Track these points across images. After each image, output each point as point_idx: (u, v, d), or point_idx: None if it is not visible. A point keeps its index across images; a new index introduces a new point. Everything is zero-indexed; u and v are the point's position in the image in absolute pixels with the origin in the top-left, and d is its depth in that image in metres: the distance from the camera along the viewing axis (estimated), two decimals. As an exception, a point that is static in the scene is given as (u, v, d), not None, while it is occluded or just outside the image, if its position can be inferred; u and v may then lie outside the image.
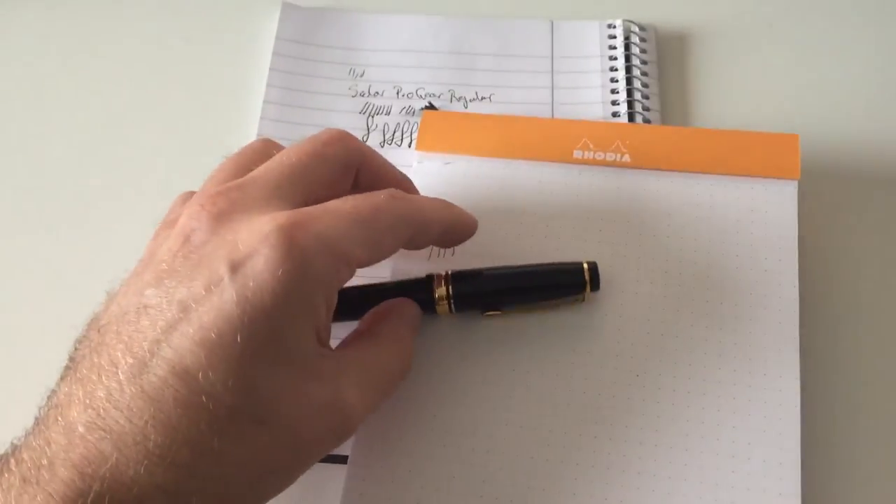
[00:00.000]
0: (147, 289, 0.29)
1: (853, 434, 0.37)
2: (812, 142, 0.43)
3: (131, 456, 0.26)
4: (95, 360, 0.28)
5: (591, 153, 0.41)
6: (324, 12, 0.51)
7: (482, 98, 0.47)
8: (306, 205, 0.31)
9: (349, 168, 0.34)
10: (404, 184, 0.36)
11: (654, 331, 0.37)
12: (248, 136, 0.45)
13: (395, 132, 0.46)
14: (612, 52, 0.48)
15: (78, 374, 0.28)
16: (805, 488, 0.33)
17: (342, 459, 0.35)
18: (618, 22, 0.49)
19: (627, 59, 0.48)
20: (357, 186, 0.34)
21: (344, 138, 0.34)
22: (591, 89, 0.47)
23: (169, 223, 0.33)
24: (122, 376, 0.27)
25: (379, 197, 0.32)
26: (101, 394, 0.27)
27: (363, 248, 0.31)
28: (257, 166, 0.33)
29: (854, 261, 0.41)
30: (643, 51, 0.48)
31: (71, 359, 0.30)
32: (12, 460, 0.26)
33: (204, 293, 0.27)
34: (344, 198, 0.32)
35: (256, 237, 0.28)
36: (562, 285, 0.37)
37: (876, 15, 0.51)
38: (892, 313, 0.40)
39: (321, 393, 0.29)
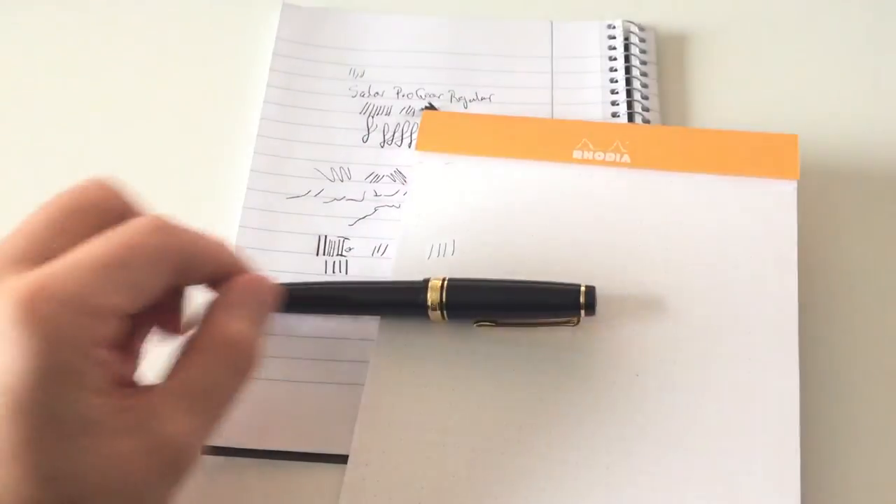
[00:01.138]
0: None
1: (853, 434, 0.37)
2: (812, 142, 0.43)
3: None
4: None
5: (591, 153, 0.41)
6: (324, 12, 0.51)
7: (482, 98, 0.47)
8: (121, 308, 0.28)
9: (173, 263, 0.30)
10: (225, 253, 0.33)
11: (653, 330, 0.37)
12: (249, 135, 0.46)
13: (395, 132, 0.46)
14: (612, 53, 0.48)
15: None
16: (805, 488, 0.33)
17: (342, 459, 0.35)
18: (617, 22, 0.49)
19: (627, 59, 0.48)
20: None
21: (165, 227, 0.30)
22: (591, 89, 0.47)
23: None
24: None
25: (133, 231, 0.29)
26: None
27: (120, 295, 0.28)
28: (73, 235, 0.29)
29: (854, 261, 0.41)
30: (643, 51, 0.48)
31: None
32: None
33: None
34: (93, 240, 0.28)
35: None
36: (557, 306, 0.36)
37: (875, 15, 0.51)
38: (891, 313, 0.40)
39: (134, 443, 0.27)
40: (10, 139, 0.48)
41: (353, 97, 0.48)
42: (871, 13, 0.51)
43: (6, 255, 0.28)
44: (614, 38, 0.49)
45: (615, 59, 0.48)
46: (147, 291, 0.29)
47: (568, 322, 0.37)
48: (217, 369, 0.30)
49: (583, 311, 0.36)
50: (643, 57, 0.48)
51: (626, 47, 0.49)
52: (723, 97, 0.48)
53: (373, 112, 0.47)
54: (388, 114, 0.47)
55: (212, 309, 0.31)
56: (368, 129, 0.46)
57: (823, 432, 0.36)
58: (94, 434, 0.26)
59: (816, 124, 0.46)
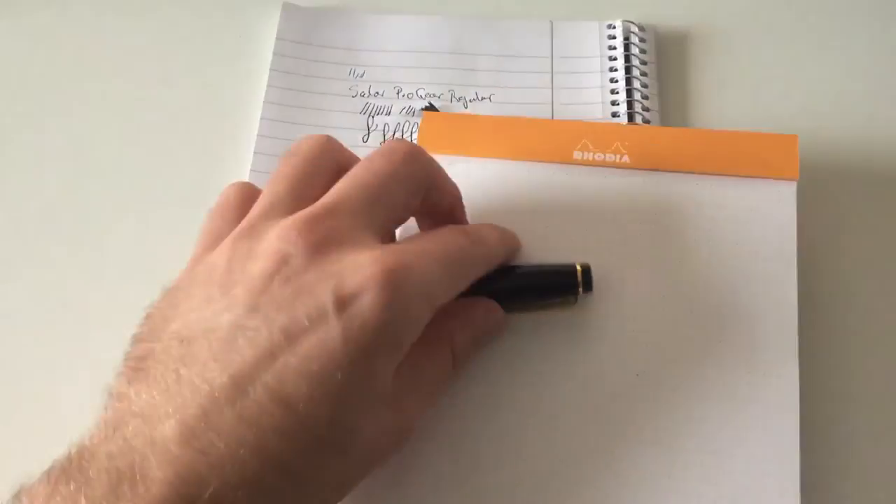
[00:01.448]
0: (239, 307, 0.28)
1: (853, 434, 0.37)
2: (811, 142, 0.43)
3: (229, 481, 0.25)
4: (183, 372, 0.27)
5: (591, 154, 0.41)
6: (324, 12, 0.51)
7: (482, 98, 0.48)
8: (387, 230, 0.33)
9: (422, 188, 0.34)
10: (460, 202, 0.37)
11: (653, 330, 0.37)
12: (249, 136, 0.46)
13: (395, 132, 0.46)
14: (612, 53, 0.48)
15: (158, 383, 0.27)
16: (805, 488, 0.34)
17: (343, 459, 0.35)
18: (617, 22, 0.49)
19: (627, 59, 0.48)
20: (424, 201, 0.35)
21: (417, 155, 0.34)
22: (591, 90, 0.47)
23: (226, 206, 0.34)
24: (219, 396, 0.26)
25: (463, 240, 0.34)
26: (193, 411, 0.26)
27: (447, 293, 0.32)
28: (321, 179, 0.33)
29: (853, 260, 0.41)
30: (643, 51, 0.48)
31: (137, 358, 0.29)
32: (87, 467, 0.25)
33: (308, 324, 0.28)
34: (431, 235, 0.34)
35: (361, 276, 0.28)
36: (554, 286, 0.37)
37: (875, 15, 0.51)
38: (891, 313, 0.40)
39: (394, 419, 0.30)
40: (8, 139, 0.48)
41: (353, 97, 0.48)
42: (871, 13, 0.51)
43: (357, 213, 0.31)
44: (614, 37, 0.49)
45: (615, 59, 0.48)
46: (458, 293, 0.33)
47: (567, 302, 0.37)
48: (432, 363, 0.33)
49: (581, 289, 0.36)
50: (643, 57, 0.48)
51: (626, 47, 0.49)
52: (723, 97, 0.48)
53: (373, 112, 0.47)
54: (388, 114, 0.47)
55: (452, 312, 0.33)
56: (368, 129, 0.46)
57: (824, 432, 0.37)
58: (381, 403, 0.29)
59: (816, 124, 0.46)
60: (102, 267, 0.43)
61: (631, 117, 0.46)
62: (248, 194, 0.34)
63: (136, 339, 0.30)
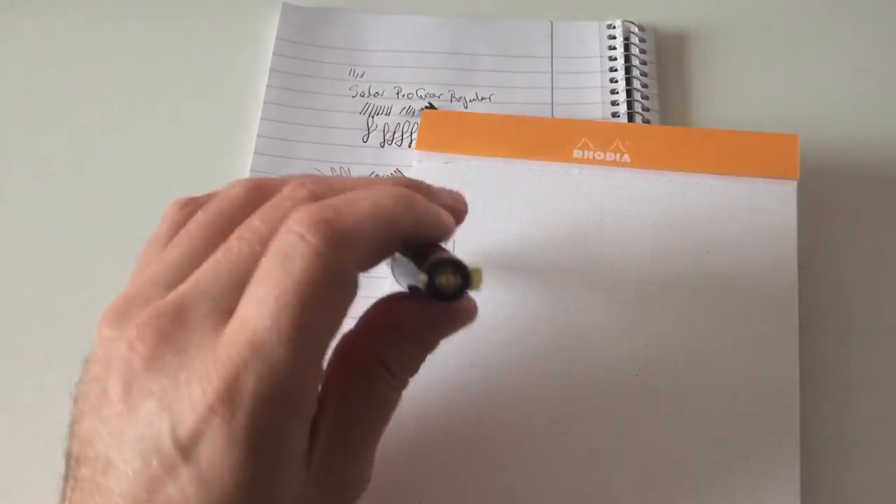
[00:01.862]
0: (107, 427, 0.25)
1: (853, 433, 0.37)
2: (812, 142, 0.43)
3: None
4: (77, 499, 0.25)
5: (591, 153, 0.41)
6: (324, 12, 0.51)
7: (482, 98, 0.47)
8: None
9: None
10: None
11: (653, 330, 0.37)
12: (249, 136, 0.46)
13: (395, 132, 0.46)
14: (612, 53, 0.48)
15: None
16: (805, 488, 0.33)
17: (342, 459, 0.35)
18: (617, 22, 0.49)
19: (627, 59, 0.48)
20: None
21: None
22: (591, 89, 0.47)
23: (158, 240, 0.30)
24: None
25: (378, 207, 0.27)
26: None
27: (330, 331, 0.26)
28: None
29: (854, 260, 0.41)
30: (643, 51, 0.48)
31: (68, 459, 0.27)
32: None
33: (159, 472, 0.24)
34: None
35: (194, 413, 0.24)
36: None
37: (875, 15, 0.51)
38: (892, 313, 0.40)
39: (318, 492, 0.27)
40: (8, 140, 0.48)
41: (354, 97, 0.48)
42: (872, 13, 0.51)
43: (161, 271, 0.27)
44: (614, 38, 0.49)
45: (615, 59, 0.48)
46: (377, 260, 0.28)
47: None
48: (372, 403, 0.29)
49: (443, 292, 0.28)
50: (643, 57, 0.48)
51: (626, 47, 0.49)
52: (723, 97, 0.48)
53: (373, 112, 0.47)
54: (388, 114, 0.47)
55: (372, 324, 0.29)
56: (368, 129, 0.46)
57: (824, 431, 0.36)
58: (289, 500, 0.26)
59: (817, 124, 0.46)
60: (102, 268, 0.43)
61: (631, 117, 0.46)
62: (183, 218, 0.30)
63: (69, 434, 0.27)
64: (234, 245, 0.27)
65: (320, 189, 0.28)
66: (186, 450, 0.24)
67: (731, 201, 0.40)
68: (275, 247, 0.25)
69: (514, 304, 0.38)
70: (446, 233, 0.30)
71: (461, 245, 0.39)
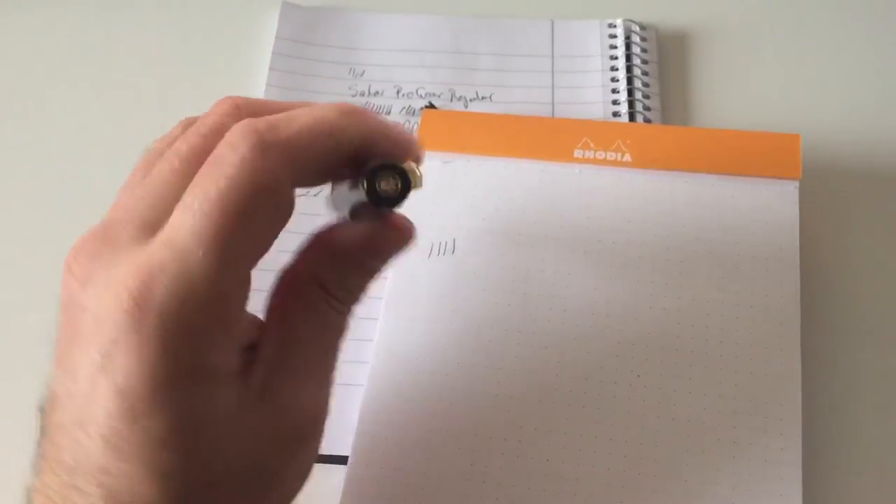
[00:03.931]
0: (56, 364, 0.25)
1: (854, 433, 0.37)
2: (813, 142, 0.43)
3: None
4: (43, 451, 0.25)
5: (592, 152, 0.41)
6: (324, 12, 0.51)
7: (482, 98, 0.47)
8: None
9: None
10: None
11: (654, 330, 0.37)
12: (248, 135, 0.45)
13: (395, 132, 0.46)
14: (613, 52, 0.48)
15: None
16: (805, 488, 0.33)
17: (342, 460, 0.35)
18: (618, 21, 0.49)
19: (628, 58, 0.48)
20: None
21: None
22: (592, 89, 0.47)
23: (155, 153, 0.28)
24: None
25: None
26: None
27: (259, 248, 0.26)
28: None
29: (856, 260, 0.41)
30: (644, 50, 0.48)
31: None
32: None
33: (88, 391, 0.24)
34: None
35: (114, 315, 0.23)
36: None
37: (876, 15, 0.51)
38: (892, 313, 0.40)
39: (258, 420, 0.26)
40: (8, 140, 0.48)
41: (353, 97, 0.48)
42: (872, 12, 0.51)
43: (133, 205, 0.26)
44: (615, 37, 0.49)
45: (616, 58, 0.48)
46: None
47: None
48: (319, 331, 0.28)
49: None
50: (644, 56, 0.48)
51: (628, 46, 0.48)
52: (724, 96, 0.48)
53: (373, 111, 0.47)
54: (388, 113, 0.47)
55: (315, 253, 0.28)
56: (368, 129, 0.46)
57: (825, 432, 0.36)
58: (222, 423, 0.25)
59: (818, 124, 0.46)
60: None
61: (632, 117, 0.46)
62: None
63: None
64: (167, 163, 0.26)
65: (264, 110, 0.27)
66: (105, 361, 0.24)
67: (733, 201, 0.40)
68: (208, 159, 0.25)
69: (514, 303, 0.38)
70: (405, 149, 0.28)
71: (461, 244, 0.39)
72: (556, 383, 0.36)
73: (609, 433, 0.35)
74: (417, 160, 0.29)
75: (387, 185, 0.27)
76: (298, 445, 0.27)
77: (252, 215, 0.24)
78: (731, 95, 0.48)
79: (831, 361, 0.38)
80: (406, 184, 0.27)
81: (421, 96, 0.47)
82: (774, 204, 0.39)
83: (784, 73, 0.48)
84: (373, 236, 0.28)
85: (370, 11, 0.51)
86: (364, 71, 0.48)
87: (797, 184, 0.40)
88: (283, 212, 0.26)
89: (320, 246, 0.28)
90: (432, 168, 0.41)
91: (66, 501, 0.24)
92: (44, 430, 0.26)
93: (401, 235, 0.29)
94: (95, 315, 0.24)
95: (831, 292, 0.40)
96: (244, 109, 0.27)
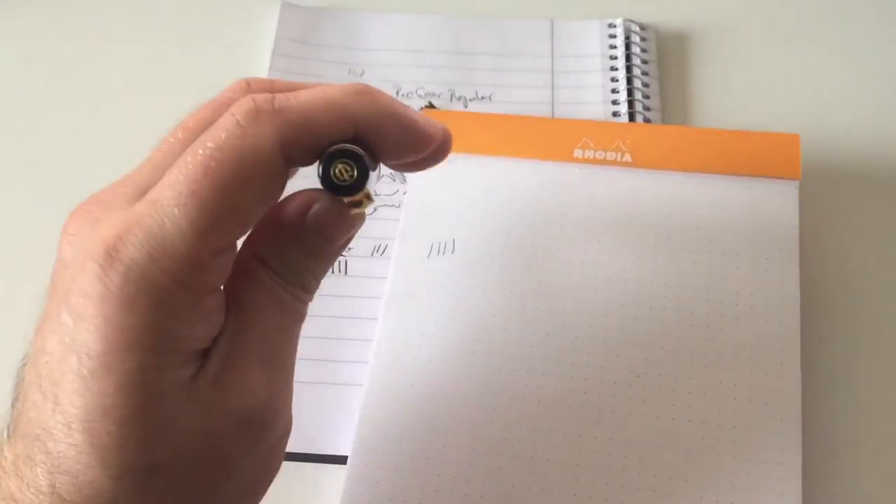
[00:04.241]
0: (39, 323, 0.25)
1: (854, 434, 0.37)
2: (812, 142, 0.43)
3: None
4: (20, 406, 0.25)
5: (592, 152, 0.41)
6: (323, 12, 0.51)
7: (482, 97, 0.47)
8: None
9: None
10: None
11: (654, 330, 0.37)
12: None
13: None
14: (613, 52, 0.48)
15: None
16: (805, 488, 0.33)
17: (342, 460, 0.35)
18: (618, 21, 0.49)
19: (628, 58, 0.48)
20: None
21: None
22: (592, 89, 0.47)
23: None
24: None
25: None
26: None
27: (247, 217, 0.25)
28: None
29: (855, 260, 0.41)
30: (644, 50, 0.48)
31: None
32: None
33: (61, 352, 0.23)
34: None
35: (85, 266, 0.23)
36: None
37: (876, 15, 0.51)
38: (892, 313, 0.40)
39: (215, 404, 0.25)
40: (8, 139, 0.48)
41: (353, 96, 0.47)
42: (872, 12, 0.51)
43: (140, 172, 0.26)
44: (615, 37, 0.49)
45: (616, 58, 0.48)
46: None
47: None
48: (271, 311, 0.27)
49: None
50: (644, 56, 0.48)
51: (627, 46, 0.48)
52: (724, 96, 0.48)
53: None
54: (387, 113, 0.47)
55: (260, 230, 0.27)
56: (368, 129, 0.46)
57: (825, 432, 0.36)
58: (172, 400, 0.24)
59: (818, 124, 0.46)
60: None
61: (632, 117, 0.46)
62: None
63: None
64: (173, 135, 0.27)
65: (275, 88, 0.27)
66: (70, 315, 0.23)
67: (733, 201, 0.40)
68: (209, 129, 0.25)
69: (513, 303, 0.38)
70: (416, 140, 0.27)
71: (461, 244, 0.39)
72: (556, 383, 0.36)
73: (609, 433, 0.35)
74: (438, 155, 0.28)
75: (341, 170, 0.25)
76: (251, 435, 0.26)
77: (234, 179, 0.24)
78: (731, 95, 0.48)
79: (831, 361, 0.38)
80: (363, 175, 0.25)
81: (420, 96, 0.47)
82: (774, 204, 0.39)
83: (784, 73, 0.48)
84: (313, 211, 0.27)
85: (370, 11, 0.51)
86: (364, 71, 0.48)
87: (797, 184, 0.40)
88: (270, 182, 0.25)
89: (264, 220, 0.27)
90: (432, 168, 0.41)
91: (17, 472, 0.23)
92: (15, 397, 0.25)
93: (343, 215, 0.27)
94: (72, 269, 0.24)
95: (831, 292, 0.40)
96: (255, 87, 0.27)
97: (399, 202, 0.43)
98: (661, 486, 0.34)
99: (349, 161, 0.25)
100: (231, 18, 0.52)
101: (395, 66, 0.49)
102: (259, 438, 0.26)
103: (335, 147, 0.25)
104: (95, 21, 0.52)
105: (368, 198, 0.27)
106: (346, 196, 0.26)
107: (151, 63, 0.50)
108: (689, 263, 0.38)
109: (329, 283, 0.40)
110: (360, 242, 0.42)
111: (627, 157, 0.41)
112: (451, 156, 0.41)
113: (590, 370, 0.36)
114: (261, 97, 0.25)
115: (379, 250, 0.42)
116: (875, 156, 0.45)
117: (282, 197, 0.26)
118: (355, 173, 0.25)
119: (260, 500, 0.27)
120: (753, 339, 0.36)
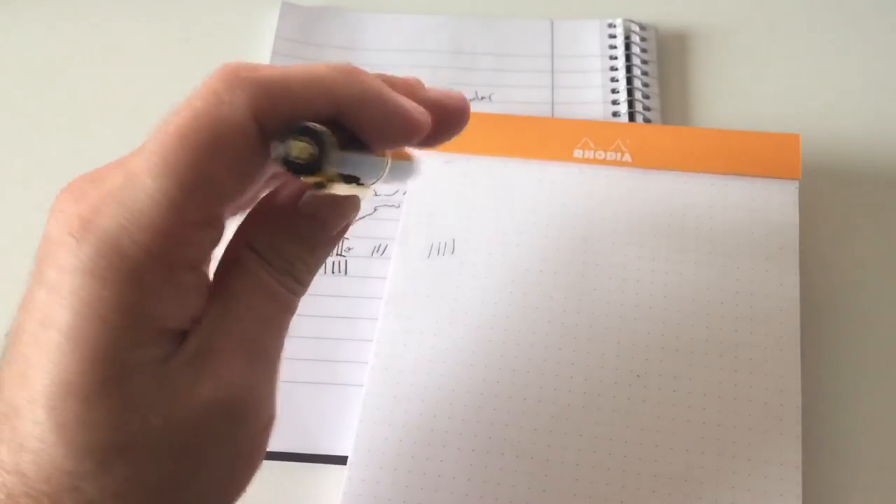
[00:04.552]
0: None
1: (854, 434, 0.37)
2: (813, 141, 0.43)
3: None
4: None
5: (592, 152, 0.41)
6: (323, 11, 0.51)
7: (482, 98, 0.47)
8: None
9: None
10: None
11: (654, 330, 0.37)
12: (248, 135, 0.45)
13: (394, 131, 0.46)
14: (613, 52, 0.48)
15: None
16: (805, 488, 0.33)
17: (342, 460, 0.35)
18: (618, 21, 0.49)
19: (628, 58, 0.48)
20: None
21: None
22: (592, 89, 0.47)
23: None
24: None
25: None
26: None
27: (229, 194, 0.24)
28: None
29: (855, 260, 0.41)
30: (643, 50, 0.48)
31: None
32: None
33: (34, 328, 0.23)
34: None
35: (61, 238, 0.23)
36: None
37: (876, 15, 0.51)
38: (892, 313, 0.40)
39: (194, 390, 0.24)
40: (8, 139, 0.48)
41: (353, 96, 0.47)
42: (872, 12, 0.51)
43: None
44: (615, 37, 0.49)
45: (616, 58, 0.48)
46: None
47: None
48: (259, 300, 0.26)
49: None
50: (644, 56, 0.48)
51: (627, 46, 0.48)
52: (724, 96, 0.48)
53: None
54: (387, 113, 0.47)
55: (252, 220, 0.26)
56: (368, 129, 0.46)
57: (824, 432, 0.36)
58: (141, 380, 0.23)
59: (818, 124, 0.46)
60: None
61: (632, 117, 0.46)
62: None
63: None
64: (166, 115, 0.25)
65: (261, 68, 0.26)
66: (43, 288, 0.23)
67: (733, 201, 0.40)
68: None
69: (514, 303, 0.38)
70: (399, 127, 0.26)
71: (461, 244, 0.39)
72: (556, 383, 0.36)
73: (609, 433, 0.35)
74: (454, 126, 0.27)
75: (298, 151, 0.23)
76: (225, 425, 0.24)
77: (207, 148, 0.23)
78: (731, 95, 0.48)
79: (831, 361, 0.38)
80: (322, 154, 0.23)
81: (421, 96, 0.47)
82: (774, 204, 0.39)
83: (784, 73, 0.48)
84: (307, 195, 0.26)
85: (370, 11, 0.51)
86: (364, 71, 0.48)
87: (797, 184, 0.40)
88: (245, 152, 0.24)
89: (257, 208, 0.26)
90: (432, 167, 0.41)
91: None
92: None
93: (337, 200, 0.27)
94: (52, 244, 0.23)
95: (831, 292, 0.40)
96: (242, 66, 0.26)
97: (399, 202, 0.43)
98: (661, 486, 0.34)
99: (307, 138, 0.23)
100: (231, 18, 0.51)
101: (395, 66, 0.49)
102: (235, 430, 0.25)
103: (297, 125, 0.23)
104: (95, 21, 0.52)
105: (331, 180, 0.25)
106: (302, 175, 0.24)
107: (151, 63, 0.50)
108: (689, 263, 0.38)
109: (329, 283, 0.41)
110: (360, 242, 0.42)
111: (627, 157, 0.41)
112: (451, 156, 0.42)
113: (590, 370, 0.36)
114: (242, 64, 0.24)
115: (379, 250, 0.42)
116: (875, 156, 0.45)
117: (265, 177, 0.26)
118: (315, 152, 0.23)
119: (238, 496, 0.25)
120: (753, 339, 0.36)
